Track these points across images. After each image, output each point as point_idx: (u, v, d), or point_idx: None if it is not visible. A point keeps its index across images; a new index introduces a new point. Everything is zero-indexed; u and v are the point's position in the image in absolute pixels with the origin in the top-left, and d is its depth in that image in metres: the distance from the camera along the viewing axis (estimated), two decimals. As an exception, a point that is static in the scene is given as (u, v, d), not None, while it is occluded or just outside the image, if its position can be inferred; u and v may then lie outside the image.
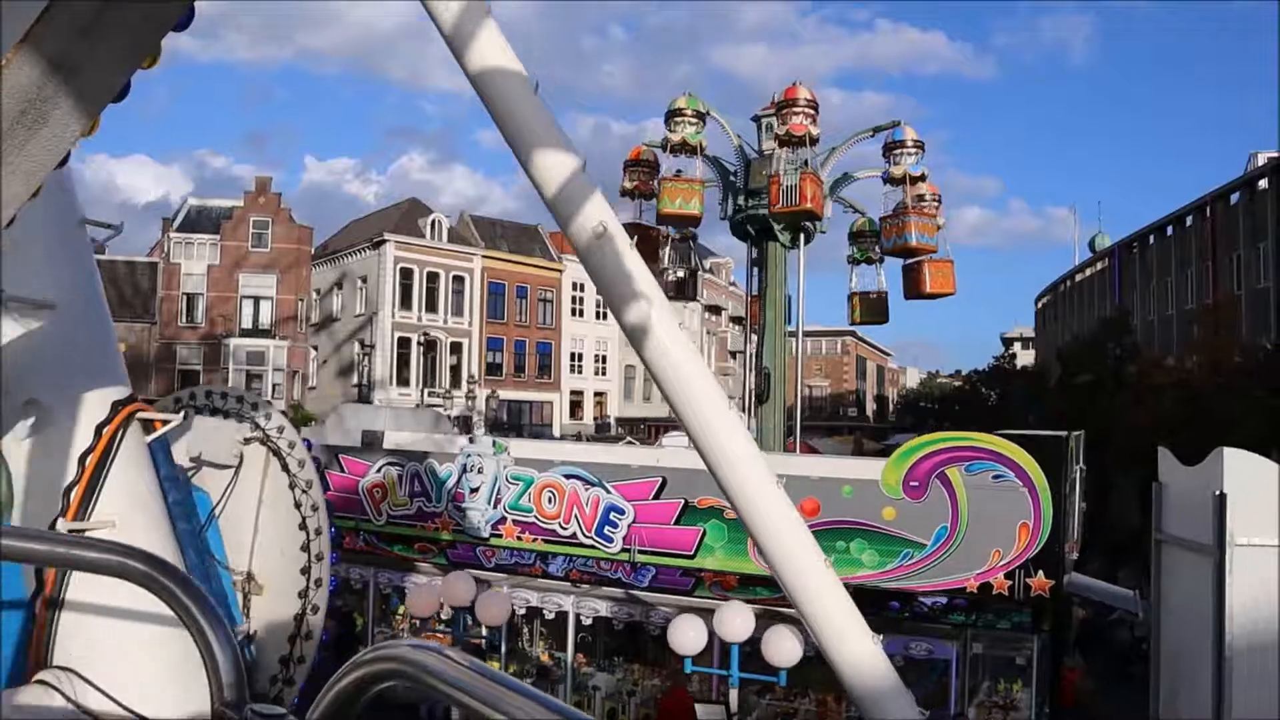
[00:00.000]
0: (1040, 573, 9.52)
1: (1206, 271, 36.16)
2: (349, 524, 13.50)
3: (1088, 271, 49.70)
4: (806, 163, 17.09)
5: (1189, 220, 38.74)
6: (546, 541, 12.23)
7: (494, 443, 12.65)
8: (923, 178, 17.40)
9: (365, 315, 39.92)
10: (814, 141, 17.20)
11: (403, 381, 39.30)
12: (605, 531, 11.80)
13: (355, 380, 39.78)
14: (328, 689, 1.10)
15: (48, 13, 1.86)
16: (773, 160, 17.40)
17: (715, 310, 53.90)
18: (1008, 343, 74.36)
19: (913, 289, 18.34)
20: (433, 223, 40.78)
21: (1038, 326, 60.66)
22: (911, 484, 10.01)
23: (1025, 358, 67.40)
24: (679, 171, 18.90)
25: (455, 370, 41.27)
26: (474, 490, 12.63)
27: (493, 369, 42.44)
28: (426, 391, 39.68)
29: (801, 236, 19.70)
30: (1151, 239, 42.02)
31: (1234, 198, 35.48)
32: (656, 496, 11.55)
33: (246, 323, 36.41)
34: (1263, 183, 33.83)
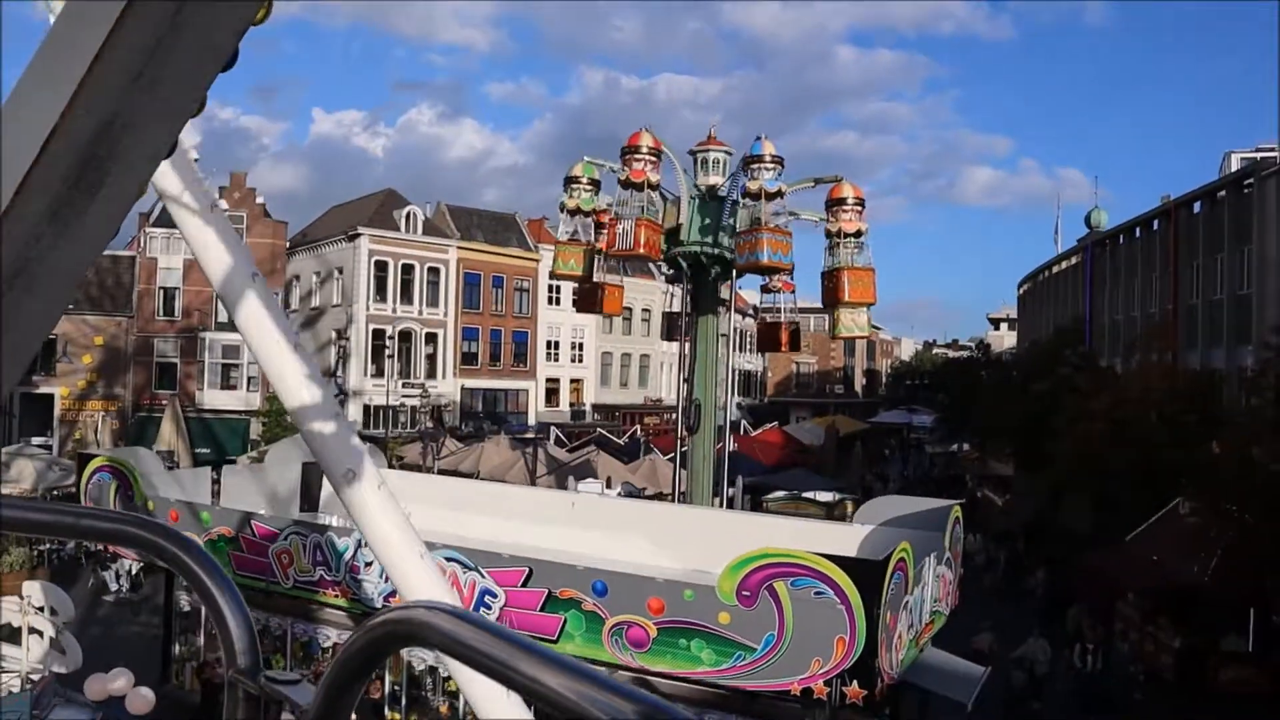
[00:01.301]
0: (855, 682, 10.32)
1: (1170, 278, 36.50)
2: (260, 584, 14.41)
3: (1063, 265, 49.96)
4: (643, 209, 17.53)
5: (1155, 224, 38.97)
6: (431, 617, 13.05)
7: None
8: (779, 194, 17.25)
9: (342, 306, 40.67)
10: (654, 187, 17.63)
11: (377, 373, 40.14)
12: (481, 611, 12.63)
13: (332, 371, 40.65)
14: (341, 652, 1.09)
15: (96, 64, 1.67)
16: (615, 202, 18.03)
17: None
18: (995, 323, 74.70)
19: (831, 298, 18.24)
20: (408, 215, 41.32)
21: (1019, 311, 61.02)
22: (744, 593, 10.78)
23: (1009, 339, 67.80)
24: (574, 233, 19.42)
25: (431, 360, 42.08)
26: (368, 564, 13.47)
27: (468, 358, 43.23)
28: (402, 383, 40.56)
29: (733, 272, 20.31)
30: (1121, 239, 42.26)
31: (1196, 206, 35.68)
32: (524, 584, 12.36)
33: (223, 316, 37.16)
34: (1224, 192, 34.02)
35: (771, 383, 72.99)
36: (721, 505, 22.08)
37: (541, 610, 12.10)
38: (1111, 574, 22.19)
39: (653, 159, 17.61)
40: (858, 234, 18.16)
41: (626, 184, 17.54)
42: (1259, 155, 42.96)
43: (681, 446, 22.17)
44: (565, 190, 18.67)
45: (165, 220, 37.98)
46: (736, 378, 69.46)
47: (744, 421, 53.03)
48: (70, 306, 36.34)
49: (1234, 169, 43.28)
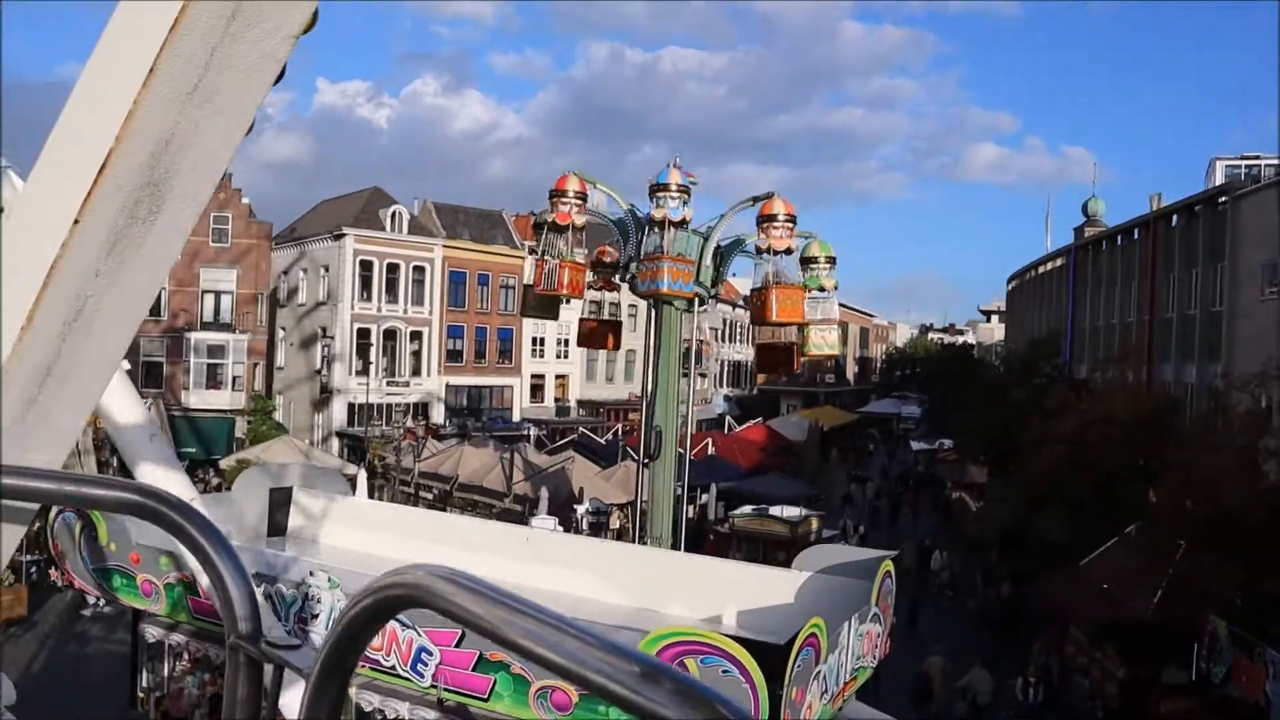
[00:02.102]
0: (760, 758, 10.83)
1: (1146, 290, 36.76)
2: (218, 630, 14.93)
3: (1049, 266, 50.14)
4: (570, 250, 17.81)
5: (1136, 233, 39.15)
6: (372, 669, 13.59)
7: (329, 579, 13.94)
8: (684, 223, 17.34)
9: (328, 305, 41.05)
10: (578, 229, 17.92)
11: (363, 370, 40.61)
12: (418, 668, 13.14)
13: (317, 369, 41.12)
14: (343, 614, 1.09)
15: (151, 77, 1.65)
16: (541, 243, 18.37)
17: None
18: (987, 314, 74.86)
19: (758, 316, 17.97)
20: (393, 214, 41.58)
21: (1009, 305, 61.22)
22: (658, 668, 11.28)
23: (1000, 331, 67.90)
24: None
25: (416, 357, 42.52)
26: (314, 617, 13.98)
27: (453, 356, 43.64)
28: (386, 381, 41.02)
29: (696, 301, 20.66)
30: (1104, 245, 42.45)
31: (1175, 219, 35.84)
32: (458, 645, 12.88)
33: (208, 316, 37.62)
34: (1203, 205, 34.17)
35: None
36: (687, 517, 22.56)
37: (474, 670, 12.61)
38: (1063, 601, 22.66)
39: (579, 202, 17.91)
40: (788, 251, 17.46)
41: (553, 226, 17.93)
42: (1244, 164, 43.16)
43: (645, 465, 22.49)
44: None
45: (151, 220, 38.36)
46: (726, 369, 69.85)
47: (728, 417, 53.51)
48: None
49: (1219, 176, 43.48)
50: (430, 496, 33.88)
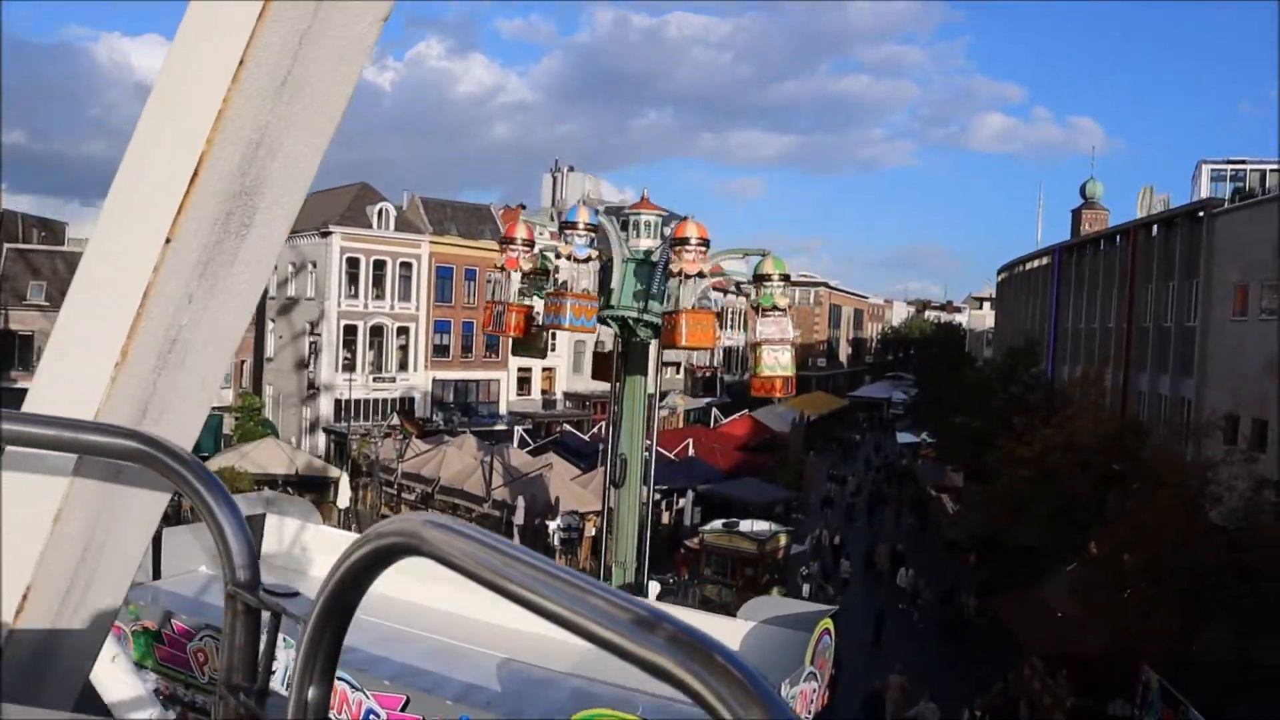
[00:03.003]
0: (681, 837, 11.42)
1: (1126, 299, 37.00)
2: (180, 678, 15.58)
3: (1036, 264, 50.29)
4: (522, 293, 18.27)
5: (1117, 240, 39.30)
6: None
7: (283, 638, 14.48)
8: (589, 260, 17.51)
9: (315, 300, 41.40)
10: (525, 276, 18.34)
11: (348, 367, 41.03)
12: (366, 730, 13.73)
13: (305, 363, 41.58)
14: (339, 564, 1.08)
15: (241, 70, 1.54)
16: (496, 286, 18.79)
17: (674, 278, 54.93)
18: (980, 301, 75.05)
19: (668, 339, 17.99)
20: (380, 211, 41.78)
21: (998, 296, 61.41)
22: (585, 750, 11.81)
23: (990, 319, 68.09)
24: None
25: (403, 351, 42.96)
26: (270, 672, 14.56)
27: (440, 350, 44.04)
28: (372, 377, 41.48)
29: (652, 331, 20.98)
30: (1087, 249, 42.60)
31: (1155, 230, 35.99)
32: (403, 710, 13.44)
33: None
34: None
35: (755, 355, 73.78)
36: (663, 523, 23.05)
37: (418, 736, 13.20)
38: (1021, 626, 23.21)
39: (526, 249, 18.33)
40: (700, 275, 17.53)
41: (502, 269, 18.40)
42: (1230, 168, 43.13)
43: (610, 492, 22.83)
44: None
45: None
46: (718, 355, 70.18)
47: (715, 408, 53.99)
48: (46, 303, 37.23)
49: (1205, 180, 43.48)
50: (413, 497, 34.49)
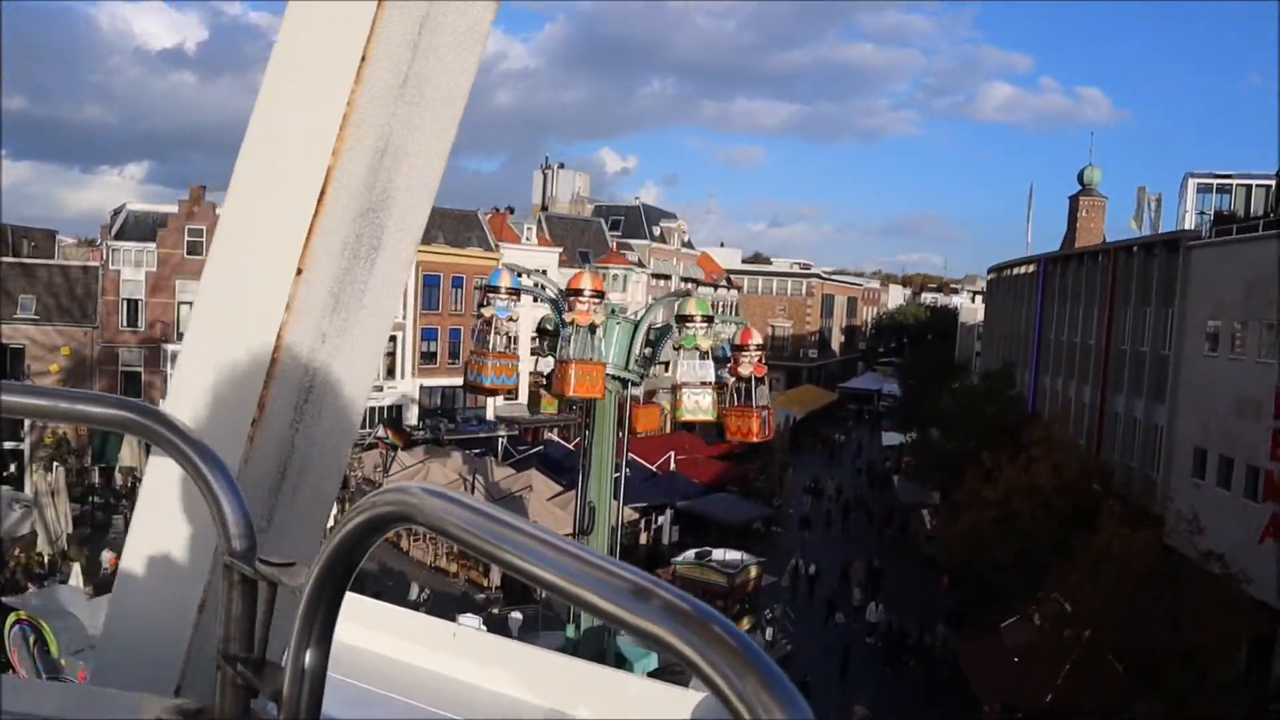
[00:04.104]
0: None
1: (1104, 320, 37.27)
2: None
3: (1022, 270, 50.47)
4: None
5: (1099, 258, 39.46)
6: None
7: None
8: (513, 319, 17.75)
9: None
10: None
11: (337, 377, 41.53)
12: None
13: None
14: (334, 534, 1.05)
15: (362, 71, 1.39)
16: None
17: (663, 277, 55.23)
18: (973, 295, 75.13)
19: (558, 388, 18.10)
20: (368, 221, 42.00)
21: (988, 296, 61.59)
22: None
23: (980, 312, 68.13)
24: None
25: (391, 358, 43.42)
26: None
27: (427, 357, 44.50)
28: (360, 386, 42.00)
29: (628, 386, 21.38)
30: (1071, 263, 42.78)
31: (1134, 250, 36.15)
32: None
33: (184, 327, 38.43)
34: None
35: (747, 345, 74.08)
36: (641, 544, 23.63)
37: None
38: (979, 670, 23.83)
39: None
40: (592, 328, 17.69)
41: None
42: (1216, 182, 43.19)
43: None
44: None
45: (126, 233, 38.92)
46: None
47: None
48: (36, 317, 37.65)
49: (1191, 194, 43.57)
50: (397, 515, 35.07)
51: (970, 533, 26.28)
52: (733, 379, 19.14)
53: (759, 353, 19.94)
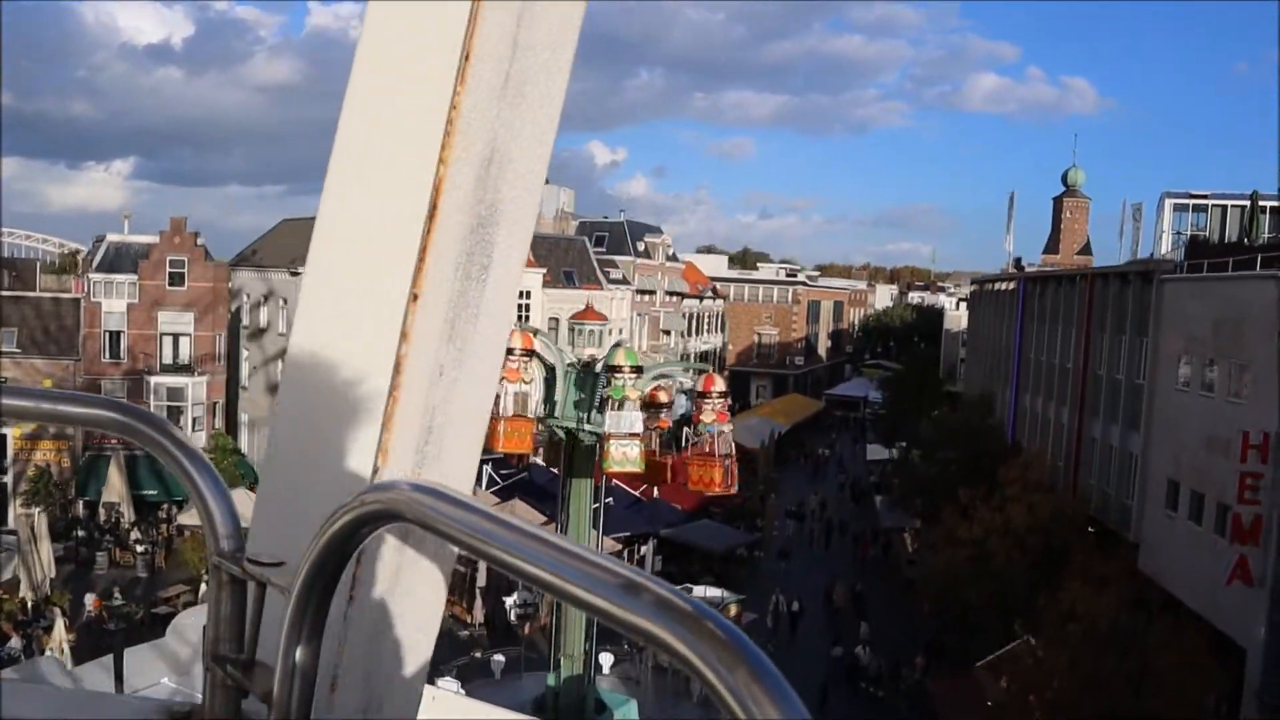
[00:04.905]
0: None
1: (1081, 345, 37.60)
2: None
3: (1003, 286, 50.78)
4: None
5: (1076, 281, 39.77)
6: None
7: None
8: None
9: (287, 335, 41.89)
10: None
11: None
12: None
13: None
14: (322, 531, 1.02)
15: (465, 70, 1.30)
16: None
17: (648, 293, 55.43)
18: (958, 302, 75.51)
19: (489, 444, 17.58)
20: (350, 248, 42.09)
21: (970, 307, 61.92)
22: None
23: (964, 319, 68.43)
24: None
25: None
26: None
27: (412, 382, 44.67)
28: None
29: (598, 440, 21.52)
30: (1050, 285, 43.08)
31: (1110, 279, 36.47)
32: None
33: (167, 359, 38.53)
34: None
35: (733, 354, 74.51)
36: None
37: None
38: (954, 710, 24.21)
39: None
40: (519, 384, 17.71)
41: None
42: (1192, 202, 43.57)
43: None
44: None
45: (107, 265, 38.94)
46: (693, 359, 70.72)
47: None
48: (18, 350, 37.67)
49: (1168, 214, 43.94)
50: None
51: (946, 573, 26.62)
52: (690, 426, 19.42)
53: (722, 400, 20.12)
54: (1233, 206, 41.26)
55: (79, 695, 2.74)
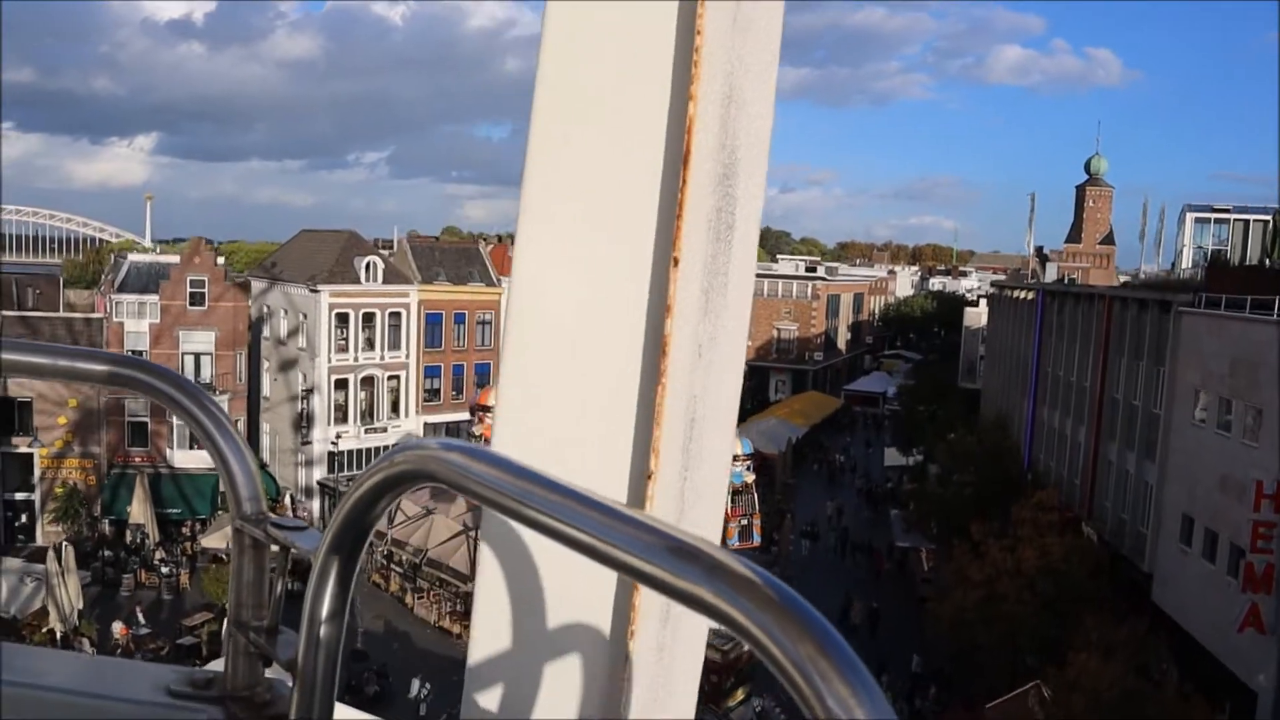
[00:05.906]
0: None
1: (1099, 368, 37.41)
2: None
3: (1021, 295, 50.46)
4: None
5: (1095, 300, 39.49)
6: None
7: None
8: None
9: (308, 352, 42.40)
10: None
11: (340, 419, 42.19)
12: None
13: (300, 420, 42.79)
14: (349, 494, 1.00)
15: (701, 6, 1.18)
16: None
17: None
18: (975, 301, 75.11)
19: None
20: (368, 265, 42.49)
21: (989, 310, 61.55)
22: None
23: (984, 317, 68.12)
24: None
25: (394, 394, 44.13)
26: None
27: (431, 394, 45.10)
28: (364, 428, 42.70)
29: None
30: (1068, 301, 42.80)
31: (1127, 302, 36.20)
32: None
33: (188, 376, 39.04)
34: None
35: (751, 349, 74.48)
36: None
37: None
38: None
39: None
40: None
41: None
42: (1214, 216, 43.05)
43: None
44: None
45: (128, 285, 39.45)
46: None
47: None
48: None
49: (1189, 228, 43.44)
50: (400, 568, 35.94)
51: (956, 614, 26.80)
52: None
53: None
54: (1255, 221, 40.74)
55: (99, 663, 2.71)
